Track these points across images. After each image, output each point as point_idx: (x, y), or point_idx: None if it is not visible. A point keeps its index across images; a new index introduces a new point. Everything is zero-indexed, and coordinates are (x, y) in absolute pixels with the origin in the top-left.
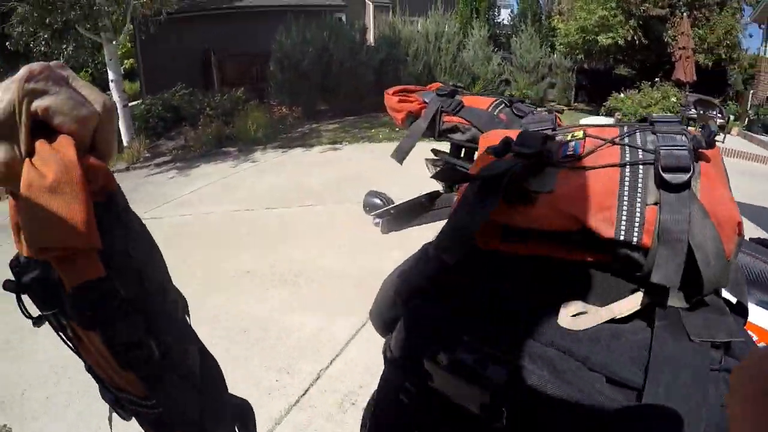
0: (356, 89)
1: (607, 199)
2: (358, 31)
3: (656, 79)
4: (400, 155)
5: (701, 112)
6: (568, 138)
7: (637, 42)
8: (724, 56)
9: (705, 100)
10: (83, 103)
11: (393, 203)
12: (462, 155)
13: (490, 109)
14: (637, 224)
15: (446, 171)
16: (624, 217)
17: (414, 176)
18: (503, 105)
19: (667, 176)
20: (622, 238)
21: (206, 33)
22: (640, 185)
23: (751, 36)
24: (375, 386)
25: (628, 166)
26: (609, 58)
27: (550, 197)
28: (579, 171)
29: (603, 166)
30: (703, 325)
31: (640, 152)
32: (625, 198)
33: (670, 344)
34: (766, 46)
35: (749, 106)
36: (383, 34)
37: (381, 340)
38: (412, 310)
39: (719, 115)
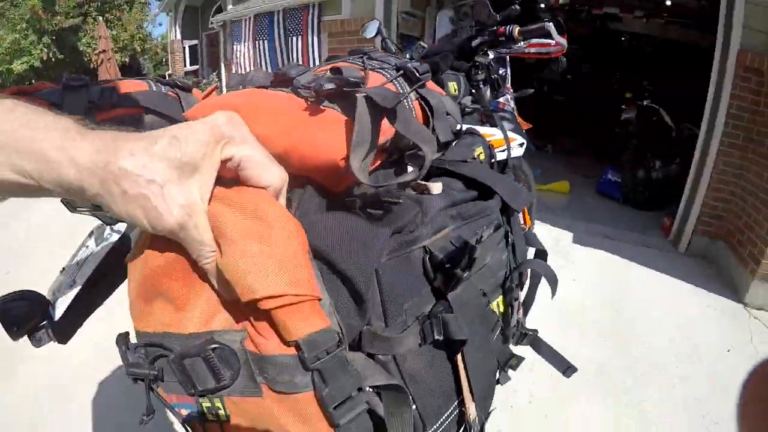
0: None
1: None
2: None
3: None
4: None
5: None
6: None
7: (53, 59)
8: (138, 49)
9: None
10: (270, 166)
11: (50, 298)
12: None
13: (155, 89)
14: None
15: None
16: None
17: None
18: (157, 82)
19: None
20: None
21: None
22: None
23: (161, 25)
24: None
25: None
26: (26, 84)
27: None
28: None
29: None
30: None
31: None
32: None
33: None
34: (174, 30)
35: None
36: None
37: None
38: None
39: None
